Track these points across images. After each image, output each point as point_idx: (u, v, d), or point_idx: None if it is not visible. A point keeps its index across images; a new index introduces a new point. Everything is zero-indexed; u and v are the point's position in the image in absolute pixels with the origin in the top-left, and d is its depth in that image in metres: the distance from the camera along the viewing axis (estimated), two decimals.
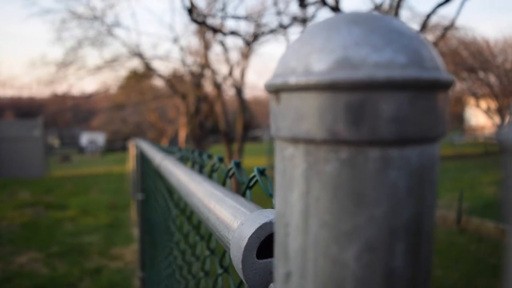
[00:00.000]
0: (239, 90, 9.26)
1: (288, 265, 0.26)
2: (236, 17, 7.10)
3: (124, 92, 14.71)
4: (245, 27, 15.23)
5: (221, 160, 0.80)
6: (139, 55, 10.28)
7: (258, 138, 31.69)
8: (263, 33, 7.79)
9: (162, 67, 24.41)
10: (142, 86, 14.09)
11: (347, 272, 0.23)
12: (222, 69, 19.67)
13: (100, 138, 30.85)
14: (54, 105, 21.75)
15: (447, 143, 18.34)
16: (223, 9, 7.12)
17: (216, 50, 23.81)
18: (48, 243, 5.31)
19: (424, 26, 4.86)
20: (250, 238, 0.40)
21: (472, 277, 4.21)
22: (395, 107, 0.22)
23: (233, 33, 7.19)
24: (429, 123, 0.23)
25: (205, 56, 9.73)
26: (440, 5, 4.44)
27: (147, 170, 2.29)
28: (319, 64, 0.23)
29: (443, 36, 6.30)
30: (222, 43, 9.45)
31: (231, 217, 0.48)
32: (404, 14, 12.47)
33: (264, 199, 0.55)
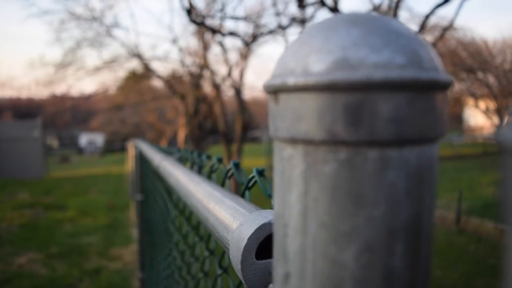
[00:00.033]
0: (238, 91, 9.25)
1: (287, 265, 0.26)
2: (235, 18, 7.12)
3: (123, 93, 14.69)
4: (244, 28, 15.23)
5: (220, 160, 0.79)
6: (138, 55, 10.27)
7: (257, 138, 31.72)
8: (262, 34, 7.79)
9: (161, 67, 24.46)
10: (141, 86, 14.07)
11: (346, 272, 0.23)
12: (221, 69, 19.73)
13: (99, 138, 30.87)
14: (53, 106, 21.76)
15: (446, 143, 18.35)
16: (222, 10, 7.13)
17: (215, 50, 23.87)
18: (48, 244, 5.30)
19: (422, 27, 4.87)
20: (249, 238, 0.40)
21: (471, 277, 4.22)
22: (394, 107, 0.22)
23: (232, 33, 7.20)
24: (427, 123, 0.23)
25: (204, 57, 9.72)
26: (438, 5, 4.44)
27: (146, 171, 2.29)
28: (318, 64, 0.23)
29: (441, 36, 6.30)
30: (221, 44, 9.45)
31: (230, 218, 0.48)
32: (402, 14, 12.52)
33: (263, 200, 0.55)
